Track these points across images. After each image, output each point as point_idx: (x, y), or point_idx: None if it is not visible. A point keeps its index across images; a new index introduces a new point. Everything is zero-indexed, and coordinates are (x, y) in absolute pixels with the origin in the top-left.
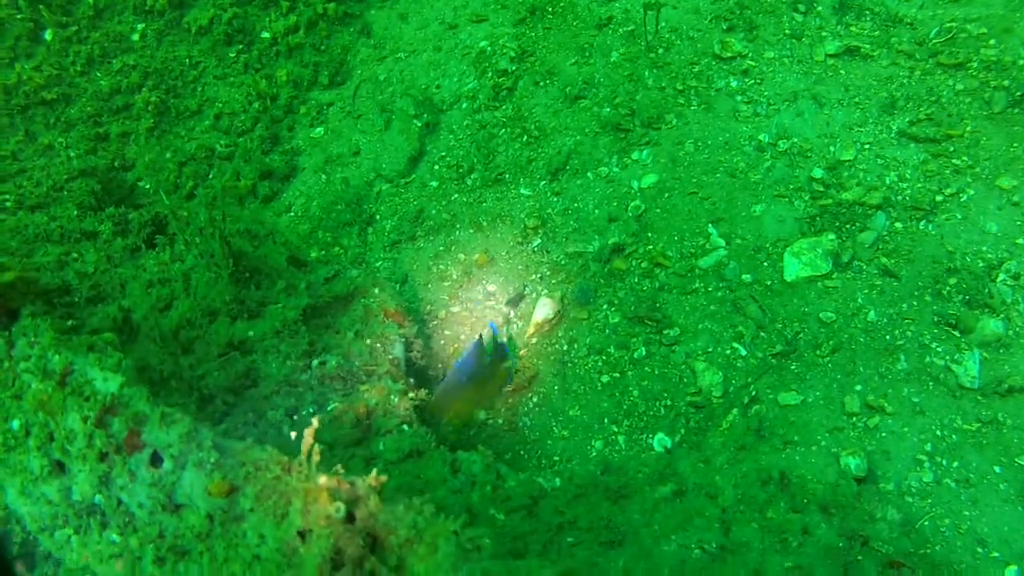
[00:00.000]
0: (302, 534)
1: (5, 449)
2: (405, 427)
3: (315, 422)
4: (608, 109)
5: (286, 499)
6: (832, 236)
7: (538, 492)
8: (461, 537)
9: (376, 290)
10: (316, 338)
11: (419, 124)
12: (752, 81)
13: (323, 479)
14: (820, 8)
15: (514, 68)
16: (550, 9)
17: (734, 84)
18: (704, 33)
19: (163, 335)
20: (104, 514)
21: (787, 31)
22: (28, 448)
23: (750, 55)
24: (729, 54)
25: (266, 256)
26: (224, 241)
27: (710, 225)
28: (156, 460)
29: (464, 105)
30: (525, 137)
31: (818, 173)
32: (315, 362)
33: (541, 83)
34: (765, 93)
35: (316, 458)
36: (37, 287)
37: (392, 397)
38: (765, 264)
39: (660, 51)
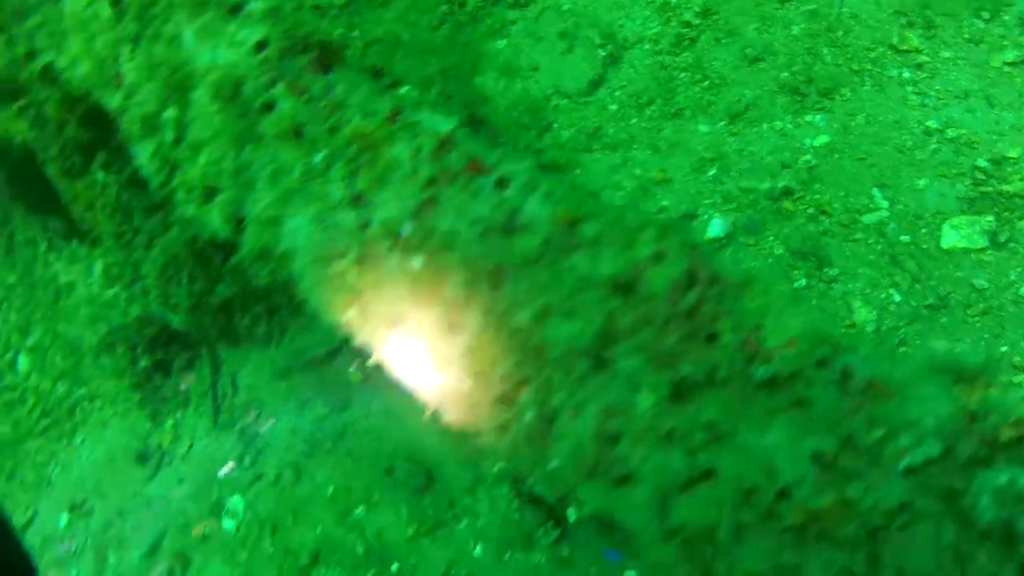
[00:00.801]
0: (657, 255)
1: (305, 179)
2: None
3: None
4: (786, 74)
5: (632, 233)
6: (991, 218)
7: None
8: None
9: None
10: None
11: (603, 53)
12: (925, 75)
13: None
14: (1006, 18)
15: (697, 22)
16: None
17: (907, 75)
18: (883, 24)
19: None
20: (407, 238)
21: (966, 35)
22: (331, 179)
23: (926, 51)
24: (906, 47)
25: None
26: None
27: (875, 188)
28: (502, 183)
29: (646, 47)
30: (706, 83)
31: (982, 163)
32: None
33: (722, 40)
34: (936, 87)
35: None
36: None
37: None
38: (923, 231)
39: (839, 33)
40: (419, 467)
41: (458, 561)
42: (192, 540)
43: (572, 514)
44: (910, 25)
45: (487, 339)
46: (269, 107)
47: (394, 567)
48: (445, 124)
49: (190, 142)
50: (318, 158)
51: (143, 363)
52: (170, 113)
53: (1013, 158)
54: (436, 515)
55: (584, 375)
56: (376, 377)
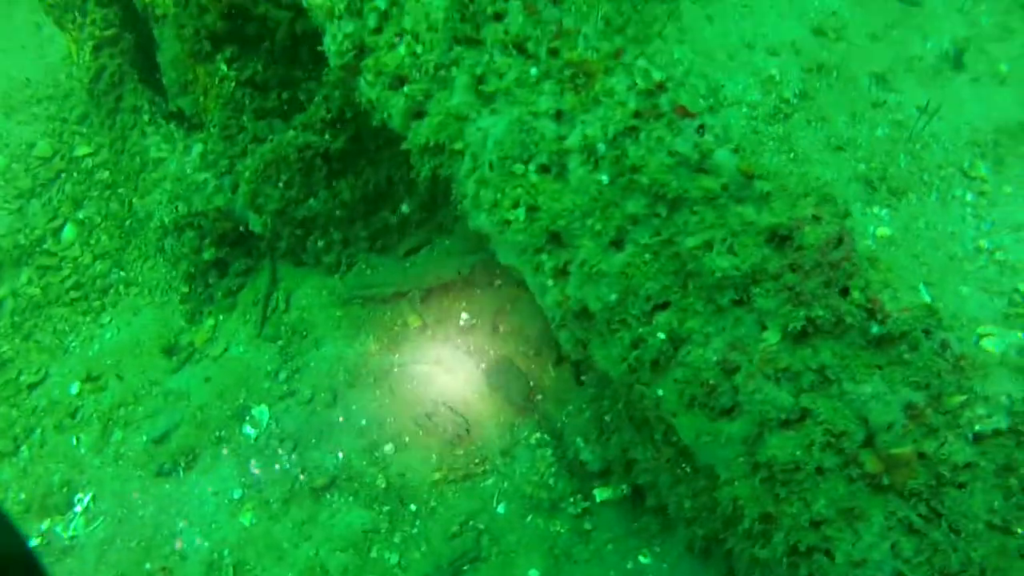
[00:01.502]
0: (816, 216)
1: (516, 85)
2: None
3: None
4: (864, 167)
5: (797, 196)
6: (1021, 335)
7: None
8: None
9: None
10: None
11: (704, 104)
12: (985, 201)
13: None
14: None
15: (794, 101)
16: (835, 73)
17: (970, 197)
18: (958, 149)
19: None
20: (600, 157)
21: None
22: (541, 91)
23: (990, 182)
24: (974, 174)
25: None
26: None
27: (922, 284)
28: (701, 129)
29: (744, 109)
30: (792, 154)
31: (1022, 287)
32: None
33: (813, 123)
34: (994, 215)
35: None
36: None
37: None
38: (958, 331)
39: (918, 145)
40: (460, 419)
41: (478, 514)
42: (207, 438)
43: (602, 493)
44: (981, 156)
45: (646, 258)
46: (499, 16)
47: (412, 507)
48: (659, 74)
49: (395, 30)
50: (534, 71)
51: (206, 255)
52: (380, 2)
53: None
54: (466, 467)
55: (724, 307)
56: (436, 327)
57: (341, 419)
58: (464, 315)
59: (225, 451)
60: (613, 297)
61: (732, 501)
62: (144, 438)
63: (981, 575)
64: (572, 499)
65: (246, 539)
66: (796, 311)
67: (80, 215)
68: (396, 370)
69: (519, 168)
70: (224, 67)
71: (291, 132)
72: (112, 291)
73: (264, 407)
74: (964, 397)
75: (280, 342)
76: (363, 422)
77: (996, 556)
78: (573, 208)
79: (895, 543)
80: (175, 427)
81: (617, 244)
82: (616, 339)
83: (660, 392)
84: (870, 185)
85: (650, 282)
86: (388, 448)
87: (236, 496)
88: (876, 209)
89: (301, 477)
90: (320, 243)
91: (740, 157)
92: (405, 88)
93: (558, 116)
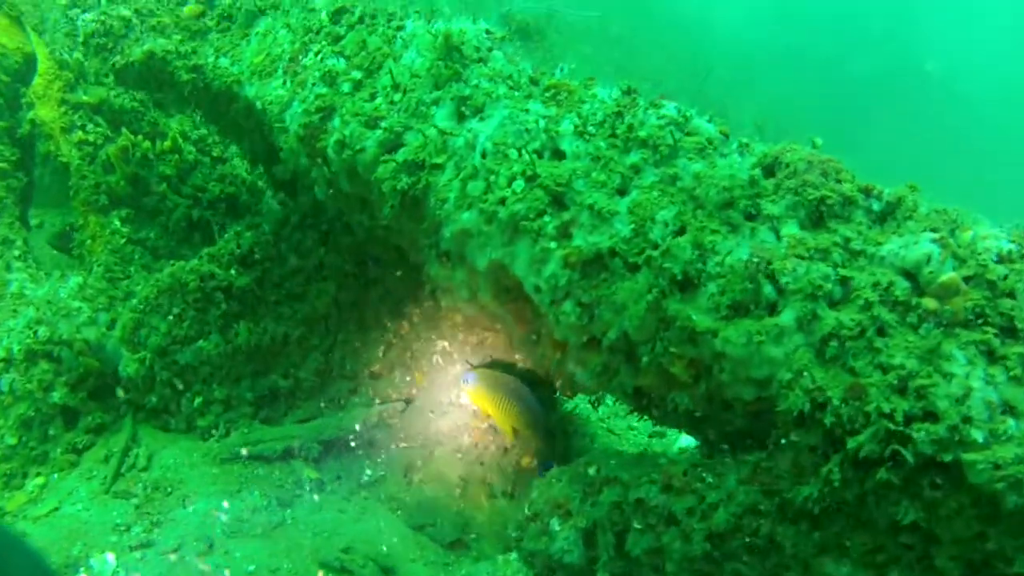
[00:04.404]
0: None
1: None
2: None
3: None
4: None
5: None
6: None
7: None
8: None
9: None
10: None
11: None
12: None
13: None
14: None
15: None
16: None
17: None
18: None
19: None
20: (590, 134)
21: None
22: (533, 97)
23: None
24: None
25: None
26: None
27: None
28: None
29: None
30: None
31: None
32: None
33: None
34: None
35: None
36: None
37: None
38: None
39: None
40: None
41: None
42: None
43: None
44: None
45: (654, 196)
46: (483, 61)
47: None
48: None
49: (371, 91)
50: (518, 93)
51: (56, 395)
52: (355, 73)
53: None
54: None
55: (738, 223)
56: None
57: (219, 567)
58: (368, 471)
59: None
60: (628, 230)
61: (807, 393)
62: None
63: None
64: None
65: None
66: (806, 195)
67: None
68: (290, 522)
69: (514, 153)
70: (118, 223)
71: (195, 260)
72: None
73: (107, 557)
74: (971, 231)
75: (135, 500)
76: (250, 568)
77: None
78: (573, 172)
79: (984, 368)
80: None
81: (622, 192)
82: (636, 275)
83: (694, 317)
84: None
85: (663, 211)
86: None
87: None
88: None
89: None
90: (198, 401)
91: (715, 123)
92: (382, 123)
93: (547, 118)
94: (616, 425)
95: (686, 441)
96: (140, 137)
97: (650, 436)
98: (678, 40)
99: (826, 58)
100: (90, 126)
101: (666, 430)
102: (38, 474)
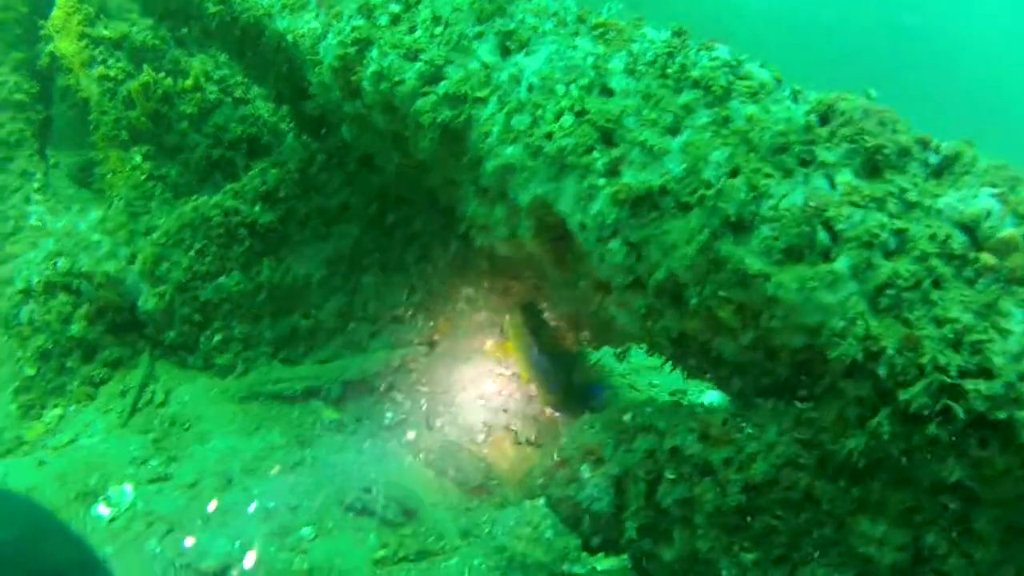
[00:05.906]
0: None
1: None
2: None
3: None
4: None
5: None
6: None
7: None
8: None
9: None
10: None
11: None
12: None
13: None
14: None
15: None
16: None
17: None
18: None
19: None
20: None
21: None
22: (581, 33)
23: None
24: None
25: None
26: None
27: None
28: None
29: None
30: None
31: None
32: None
33: None
34: None
35: None
36: None
37: None
38: None
39: None
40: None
41: None
42: None
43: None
44: None
45: (707, 137)
46: None
47: None
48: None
49: (409, 24)
50: (565, 30)
51: (74, 328)
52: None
53: None
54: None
55: (792, 168)
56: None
57: (238, 503)
58: (388, 414)
59: None
60: (680, 169)
61: (861, 342)
62: None
63: None
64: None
65: None
66: (862, 143)
67: None
68: (310, 461)
69: (561, 88)
70: (139, 158)
71: (219, 195)
72: None
73: (124, 487)
74: None
75: (153, 434)
76: (270, 505)
77: None
78: (624, 109)
79: None
80: None
81: (674, 132)
82: (688, 215)
83: (747, 259)
84: None
85: (716, 151)
86: (306, 532)
87: None
88: None
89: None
90: (217, 338)
91: (768, 69)
92: (422, 55)
93: (596, 55)
94: (638, 381)
95: (710, 399)
96: (162, 75)
97: (671, 394)
98: None
99: (799, 8)
100: (111, 61)
101: (688, 388)
102: (55, 405)
